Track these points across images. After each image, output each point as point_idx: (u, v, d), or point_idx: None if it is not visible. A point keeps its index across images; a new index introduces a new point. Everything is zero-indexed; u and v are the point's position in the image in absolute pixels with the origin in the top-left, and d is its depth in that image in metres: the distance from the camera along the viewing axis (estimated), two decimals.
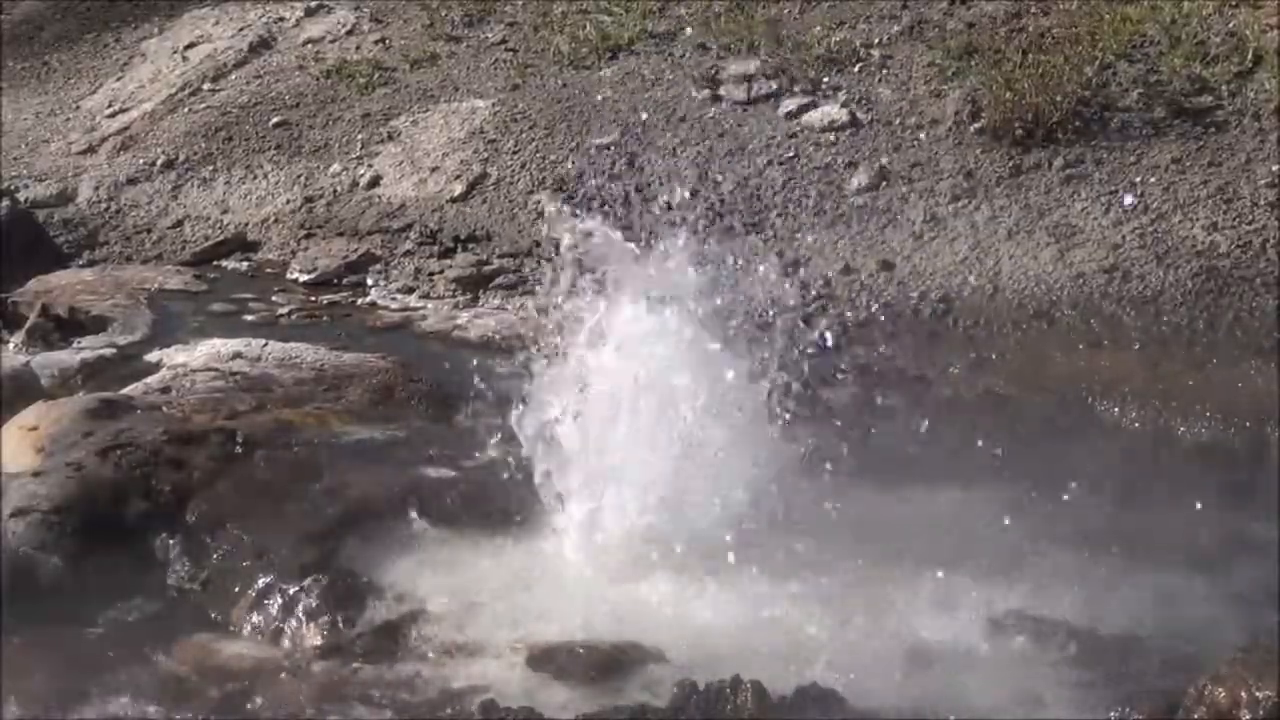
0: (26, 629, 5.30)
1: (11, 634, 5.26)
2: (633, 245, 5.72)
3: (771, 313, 5.84)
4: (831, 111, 9.09)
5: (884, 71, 9.38)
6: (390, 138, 9.96)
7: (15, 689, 4.96)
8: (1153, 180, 8.10)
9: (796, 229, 8.23)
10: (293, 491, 5.98)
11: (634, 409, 5.63)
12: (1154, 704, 4.42)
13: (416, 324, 8.24)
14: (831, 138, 8.93)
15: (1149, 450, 6.61)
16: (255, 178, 9.91)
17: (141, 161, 10.33)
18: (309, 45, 11.30)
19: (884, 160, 8.65)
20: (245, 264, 9.28)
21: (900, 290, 7.82)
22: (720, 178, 7.90)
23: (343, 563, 5.61)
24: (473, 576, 5.52)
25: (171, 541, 5.75)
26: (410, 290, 8.69)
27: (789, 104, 9.24)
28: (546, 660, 5.01)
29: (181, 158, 10.24)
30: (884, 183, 8.53)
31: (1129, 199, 7.98)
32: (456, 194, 9.27)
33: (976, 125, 8.68)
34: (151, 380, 6.97)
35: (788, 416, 5.73)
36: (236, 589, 5.52)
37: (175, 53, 11.71)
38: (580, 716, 4.60)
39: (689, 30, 10.12)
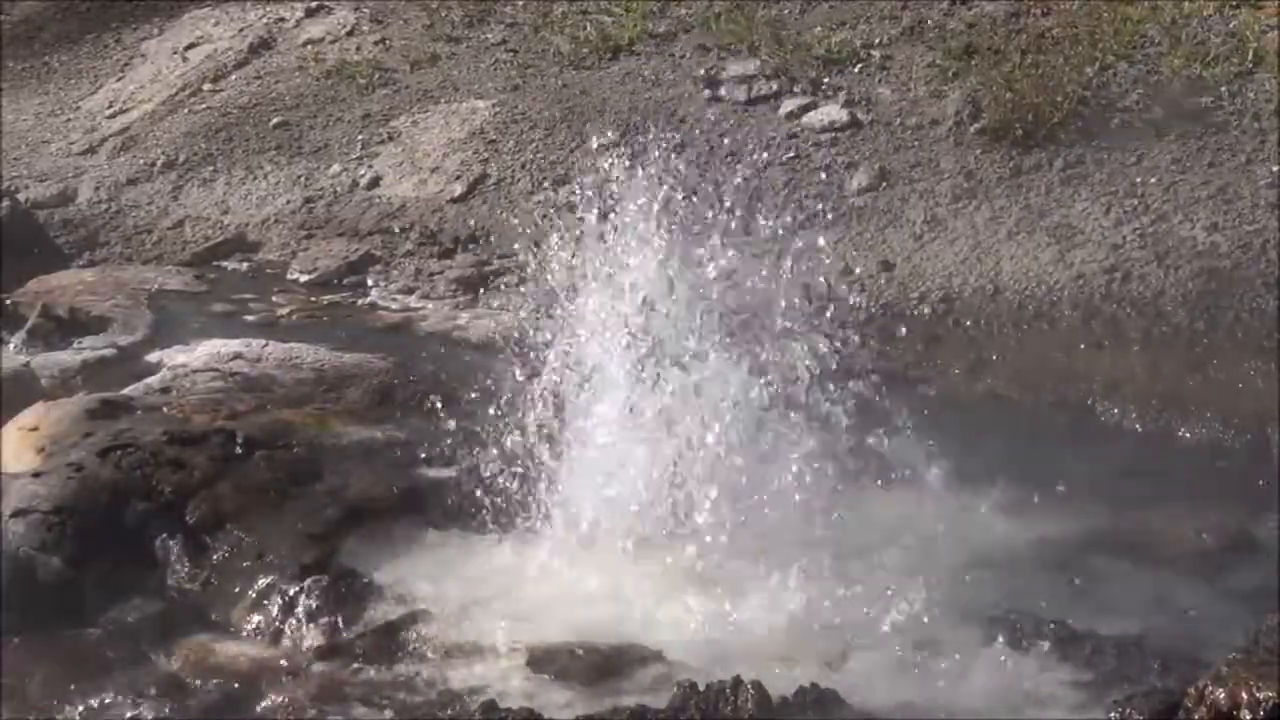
0: (26, 629, 5.31)
1: (11, 634, 5.26)
2: None
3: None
4: (832, 112, 9.09)
5: (884, 72, 9.38)
6: (390, 138, 9.96)
7: (15, 689, 4.97)
8: (1153, 181, 8.10)
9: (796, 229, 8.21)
10: (293, 491, 5.99)
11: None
12: (1154, 704, 4.42)
13: (417, 324, 8.23)
14: (832, 138, 8.93)
15: (1149, 450, 6.62)
16: (255, 178, 9.91)
17: (142, 162, 10.33)
18: (309, 46, 11.30)
19: (884, 161, 8.65)
20: (245, 264, 9.28)
21: (900, 291, 7.82)
22: (720, 178, 7.89)
23: (343, 563, 5.62)
24: (473, 576, 5.52)
25: (171, 542, 5.75)
26: (410, 291, 8.68)
27: (789, 104, 9.24)
28: (546, 661, 5.01)
29: (182, 158, 10.24)
30: (884, 183, 8.53)
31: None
32: (457, 194, 9.28)
33: (977, 126, 8.68)
34: (152, 380, 6.97)
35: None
36: (236, 589, 5.52)
37: (175, 53, 11.71)
38: (580, 717, 4.60)
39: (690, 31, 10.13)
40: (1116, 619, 5.21)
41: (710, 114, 9.27)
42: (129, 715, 4.82)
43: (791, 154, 8.85)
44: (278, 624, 5.35)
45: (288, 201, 9.63)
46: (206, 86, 11.10)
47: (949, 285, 7.81)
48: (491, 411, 5.92)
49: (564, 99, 9.79)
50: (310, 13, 11.73)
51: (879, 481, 5.97)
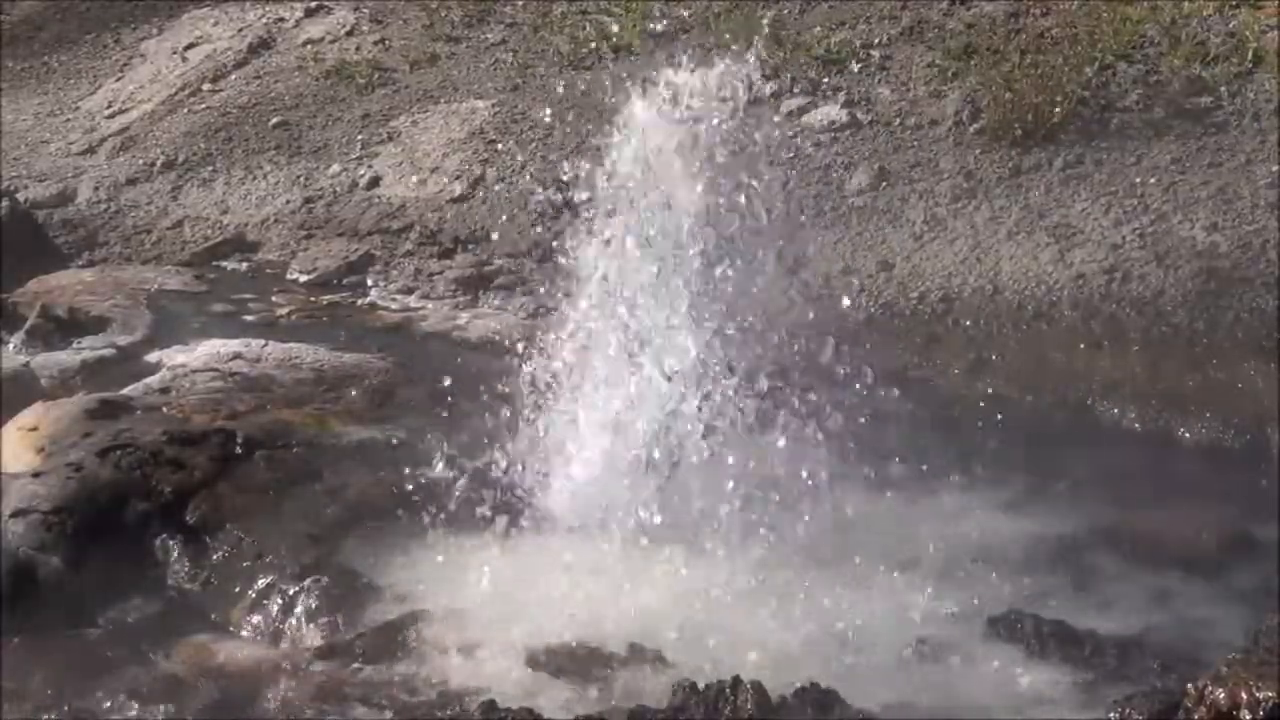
0: (26, 629, 5.30)
1: (11, 634, 5.26)
2: None
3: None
4: (831, 112, 9.09)
5: (884, 72, 9.38)
6: (390, 138, 9.96)
7: (15, 689, 4.96)
8: (1153, 181, 8.09)
9: (796, 229, 8.21)
10: (293, 492, 5.99)
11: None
12: (1154, 704, 4.42)
13: (416, 324, 8.23)
14: (831, 138, 8.93)
15: (1149, 450, 6.62)
16: (255, 178, 9.91)
17: (141, 162, 10.33)
18: (308, 46, 11.30)
19: (884, 161, 8.65)
20: (245, 264, 9.28)
21: (900, 290, 7.82)
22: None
23: (342, 563, 5.62)
24: (472, 576, 5.52)
25: (171, 542, 5.75)
26: (410, 291, 8.68)
27: (789, 104, 9.24)
28: (546, 661, 5.01)
29: (181, 158, 10.24)
30: (884, 183, 8.53)
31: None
32: (456, 194, 9.27)
33: (976, 126, 8.68)
34: (151, 380, 6.97)
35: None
36: (236, 589, 5.52)
37: (175, 53, 11.71)
38: (580, 717, 4.60)
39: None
40: (1116, 619, 5.22)
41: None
42: (129, 715, 4.82)
43: (791, 154, 8.84)
44: (277, 624, 5.35)
45: (287, 201, 9.63)
46: (206, 86, 11.10)
47: (949, 285, 7.80)
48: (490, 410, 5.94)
49: (564, 99, 9.78)
50: (310, 13, 11.73)
51: (878, 481, 5.97)
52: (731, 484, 5.64)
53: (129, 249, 9.54)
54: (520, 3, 11.04)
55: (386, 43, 11.10)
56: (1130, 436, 6.78)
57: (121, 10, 12.49)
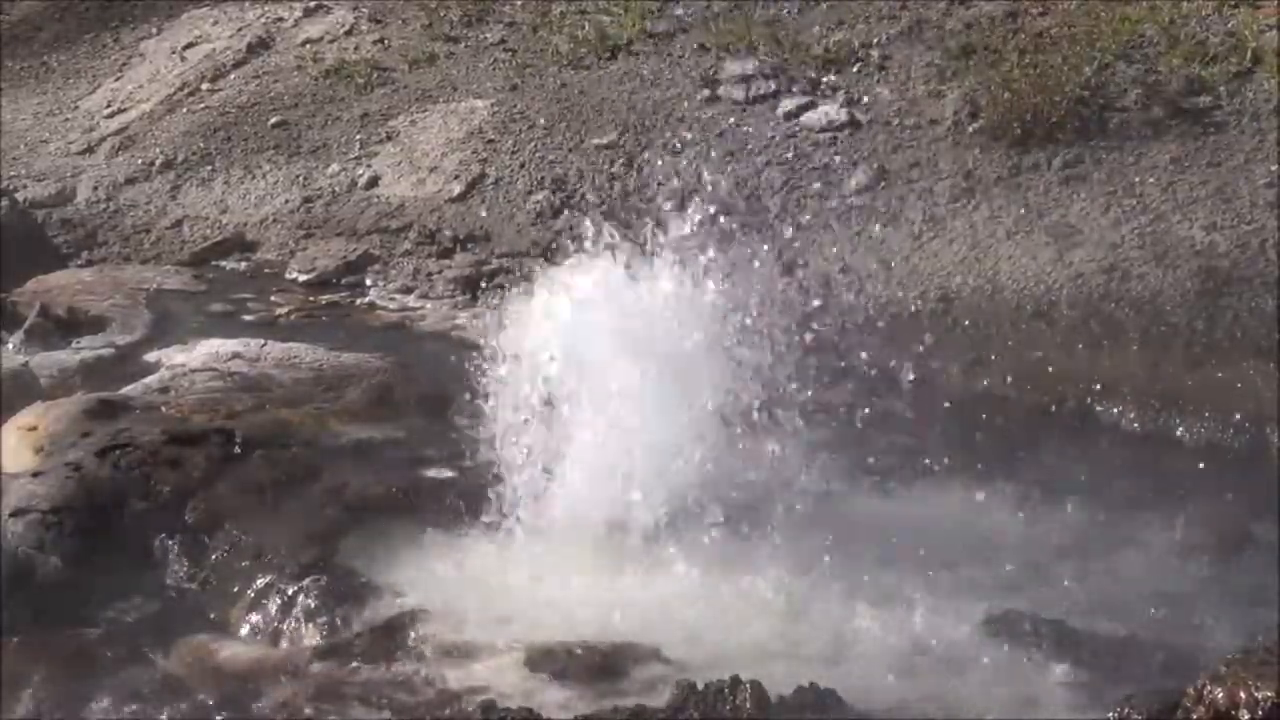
0: (26, 629, 5.30)
1: (11, 633, 5.25)
2: None
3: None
4: (830, 112, 9.09)
5: (883, 72, 9.38)
6: (389, 138, 9.96)
7: (15, 689, 4.96)
8: (1152, 180, 8.10)
9: (796, 229, 8.21)
10: (292, 491, 5.99)
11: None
12: (1154, 704, 4.42)
13: (415, 324, 8.24)
14: (830, 138, 8.92)
15: (1149, 450, 6.62)
16: (254, 178, 9.90)
17: (140, 161, 10.33)
18: (307, 45, 11.30)
19: (883, 160, 8.65)
20: (244, 264, 9.29)
21: (899, 290, 7.81)
22: (719, 178, 7.88)
23: (341, 563, 5.61)
24: (472, 576, 5.52)
25: (170, 541, 5.75)
26: (409, 290, 8.69)
27: (788, 104, 9.24)
28: (546, 660, 5.00)
29: (180, 158, 10.23)
30: (883, 183, 8.52)
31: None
32: (455, 194, 9.27)
33: (975, 125, 8.68)
34: (150, 380, 6.98)
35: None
36: (235, 589, 5.52)
37: (174, 53, 11.70)
38: (579, 717, 4.60)
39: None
40: (1116, 619, 5.21)
41: (709, 114, 9.27)
42: (129, 715, 4.81)
43: (790, 153, 8.84)
44: (276, 623, 5.35)
45: (286, 201, 9.62)
46: (205, 86, 11.10)
47: (948, 285, 7.80)
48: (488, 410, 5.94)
49: (563, 98, 9.79)
50: (308, 12, 11.73)
51: (878, 481, 5.97)
52: (728, 481, 5.65)
53: (128, 248, 9.54)
54: (519, 2, 11.04)
55: (385, 42, 11.10)
56: (1129, 436, 6.78)
57: (121, 10, 12.48)
